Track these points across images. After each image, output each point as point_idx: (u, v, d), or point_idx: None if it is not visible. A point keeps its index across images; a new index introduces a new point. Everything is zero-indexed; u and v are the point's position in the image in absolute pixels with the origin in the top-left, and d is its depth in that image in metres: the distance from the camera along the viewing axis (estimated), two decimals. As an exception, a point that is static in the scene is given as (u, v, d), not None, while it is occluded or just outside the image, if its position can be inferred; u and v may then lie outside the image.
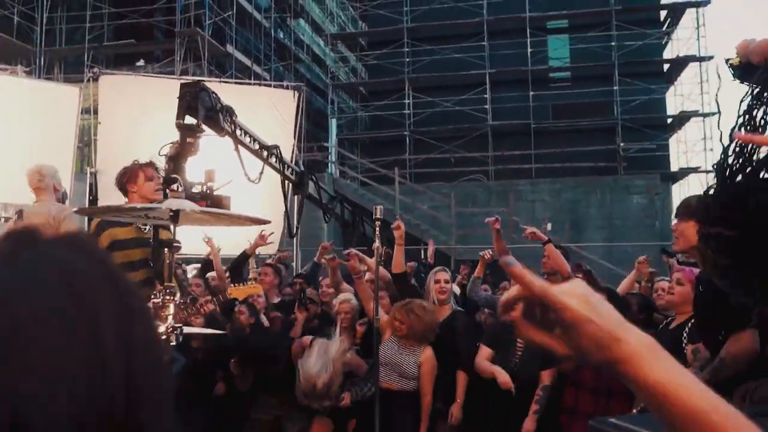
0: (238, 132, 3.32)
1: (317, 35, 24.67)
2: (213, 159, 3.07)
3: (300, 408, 4.89)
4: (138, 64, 17.95)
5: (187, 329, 2.96)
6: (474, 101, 20.72)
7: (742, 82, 1.85)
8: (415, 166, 20.41)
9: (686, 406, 0.74)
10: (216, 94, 3.14)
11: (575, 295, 0.78)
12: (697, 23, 20.72)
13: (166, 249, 2.80)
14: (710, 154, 20.71)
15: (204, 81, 3.70)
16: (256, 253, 6.30)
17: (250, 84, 13.48)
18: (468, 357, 4.71)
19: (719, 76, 1.89)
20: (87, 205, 8.30)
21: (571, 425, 4.25)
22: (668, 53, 22.09)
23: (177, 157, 2.89)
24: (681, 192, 21.39)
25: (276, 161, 3.83)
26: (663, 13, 22.14)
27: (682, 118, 20.99)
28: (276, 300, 5.88)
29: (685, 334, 3.62)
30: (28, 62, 17.10)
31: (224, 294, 4.18)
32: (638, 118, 19.85)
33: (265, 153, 3.69)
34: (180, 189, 3.01)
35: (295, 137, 9.93)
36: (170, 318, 2.72)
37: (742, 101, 1.69)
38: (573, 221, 16.14)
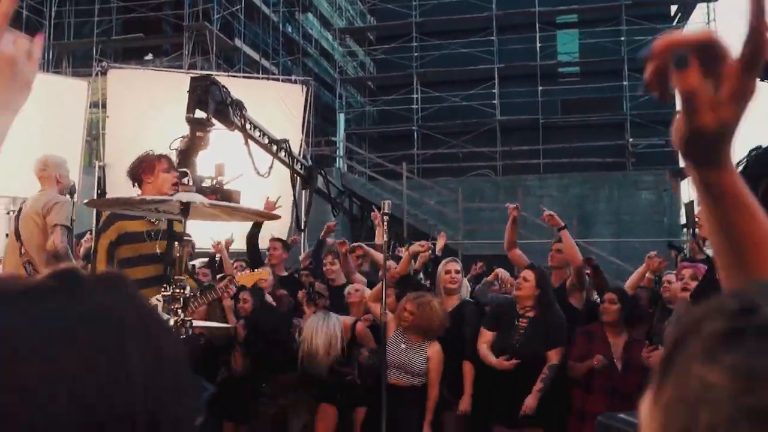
0: (247, 126, 3.31)
1: (325, 29, 24.64)
2: (223, 153, 3.07)
3: (306, 400, 4.90)
4: (146, 58, 17.99)
5: (197, 323, 2.97)
6: (482, 96, 20.66)
7: (762, 80, 1.83)
8: (423, 161, 20.38)
9: (757, 230, 0.73)
10: (226, 88, 3.13)
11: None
12: (708, 19, 20.60)
13: (177, 243, 2.80)
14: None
15: (213, 75, 3.70)
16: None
17: (258, 78, 13.46)
18: (475, 347, 4.70)
19: None
20: (95, 199, 8.32)
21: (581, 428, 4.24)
22: (678, 48, 21.95)
23: (187, 151, 2.89)
24: (690, 188, 21.29)
25: (285, 155, 3.83)
26: (673, 8, 22.02)
27: (692, 113, 20.87)
28: (284, 274, 5.97)
29: None
30: (37, 56, 17.13)
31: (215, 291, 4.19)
32: (647, 114, 19.75)
33: (274, 147, 3.69)
34: (190, 183, 3.01)
35: (303, 132, 9.92)
36: (180, 311, 2.72)
37: None
38: (581, 217, 16.08)
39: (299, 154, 7.60)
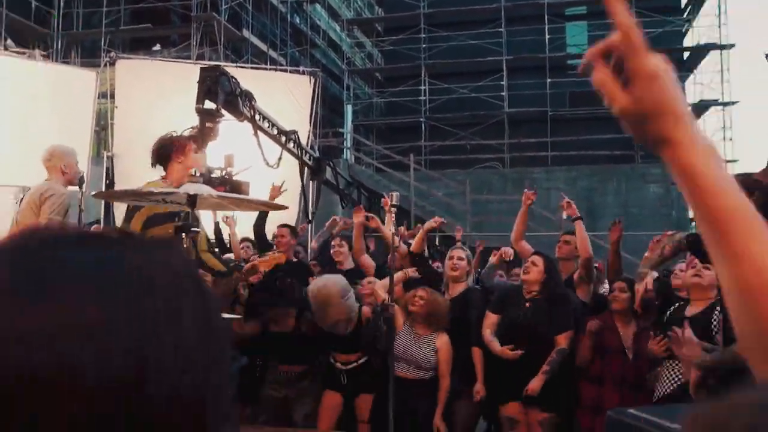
0: (257, 117, 3.31)
1: (333, 20, 24.58)
2: (232, 144, 3.07)
3: (311, 389, 4.89)
4: (154, 48, 18.00)
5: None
6: (490, 88, 20.59)
7: None
8: (431, 153, 20.34)
9: (722, 207, 0.73)
10: (235, 79, 3.12)
11: (657, 56, 0.79)
12: (719, 11, 20.44)
13: (184, 234, 2.80)
14: (729, 143, 20.50)
15: (222, 66, 3.69)
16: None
17: (266, 69, 13.44)
18: (481, 332, 4.69)
19: None
20: (104, 189, 8.35)
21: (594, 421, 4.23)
22: (688, 41, 21.83)
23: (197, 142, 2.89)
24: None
25: (294, 146, 3.83)
26: (684, 0, 21.86)
27: (702, 107, 20.76)
28: (294, 260, 5.96)
29: (714, 323, 3.57)
30: (46, 46, 17.18)
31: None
32: (656, 107, 19.65)
33: (283, 138, 3.69)
34: (198, 174, 3.01)
35: (310, 123, 9.91)
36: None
37: None
38: (588, 209, 16.00)
39: (307, 145, 7.61)
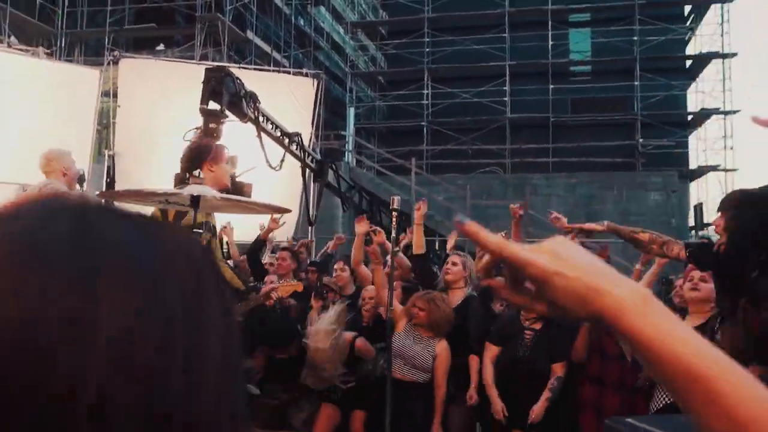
0: (261, 119, 3.31)
1: (337, 23, 24.59)
2: (235, 145, 3.07)
3: (308, 394, 4.90)
4: (158, 48, 17.99)
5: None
6: (493, 93, 20.61)
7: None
8: (432, 157, 20.35)
9: (686, 368, 0.63)
10: (240, 80, 3.13)
11: (543, 250, 0.71)
12: (722, 19, 20.48)
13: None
14: (730, 152, 20.51)
15: (226, 67, 3.69)
16: (272, 237, 6.31)
17: (269, 70, 13.45)
18: (480, 342, 4.69)
19: None
20: (104, 188, 8.34)
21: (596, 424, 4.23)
22: (691, 49, 21.85)
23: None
24: (699, 190, 21.21)
25: (297, 149, 3.82)
26: (687, 9, 21.89)
27: (703, 115, 20.78)
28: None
29: (717, 335, 3.56)
30: (50, 44, 17.18)
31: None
32: (658, 114, 19.66)
33: (286, 140, 3.69)
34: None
35: (313, 125, 9.91)
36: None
37: None
38: (588, 217, 15.99)
39: (309, 148, 7.61)
